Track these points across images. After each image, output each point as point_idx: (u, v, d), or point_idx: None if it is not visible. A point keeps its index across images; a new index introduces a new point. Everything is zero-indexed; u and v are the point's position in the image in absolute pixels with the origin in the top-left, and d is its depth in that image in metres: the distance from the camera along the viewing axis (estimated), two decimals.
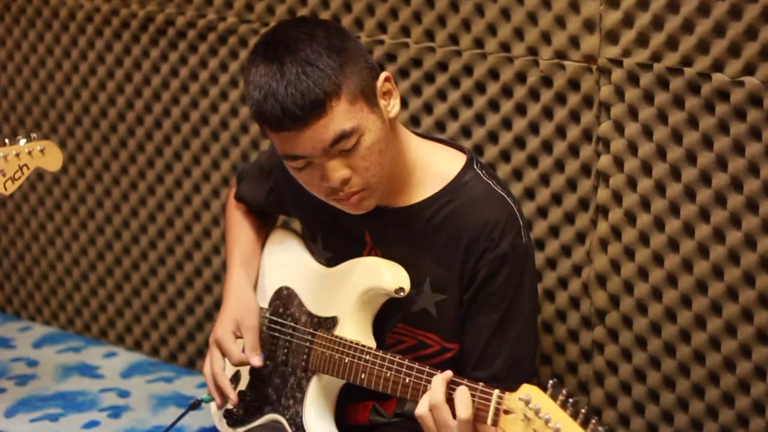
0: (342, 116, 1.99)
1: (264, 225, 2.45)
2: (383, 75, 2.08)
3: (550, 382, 1.81)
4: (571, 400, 1.77)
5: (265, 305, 2.34)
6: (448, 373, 1.98)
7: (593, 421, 1.75)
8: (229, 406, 2.29)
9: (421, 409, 1.98)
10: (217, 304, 3.00)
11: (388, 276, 2.13)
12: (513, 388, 1.88)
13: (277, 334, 2.28)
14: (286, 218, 2.65)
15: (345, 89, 1.99)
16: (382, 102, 2.07)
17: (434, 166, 2.17)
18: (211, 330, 2.98)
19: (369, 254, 2.19)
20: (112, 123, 3.10)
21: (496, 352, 2.13)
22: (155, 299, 3.13)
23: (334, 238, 2.25)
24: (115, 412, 2.77)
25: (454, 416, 1.94)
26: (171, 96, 2.98)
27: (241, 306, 2.30)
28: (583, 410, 1.76)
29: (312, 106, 1.97)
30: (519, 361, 2.14)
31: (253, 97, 2.01)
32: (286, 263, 2.35)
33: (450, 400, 1.95)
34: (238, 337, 2.27)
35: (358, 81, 2.02)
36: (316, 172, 2.04)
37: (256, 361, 2.24)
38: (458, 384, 1.96)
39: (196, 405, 2.34)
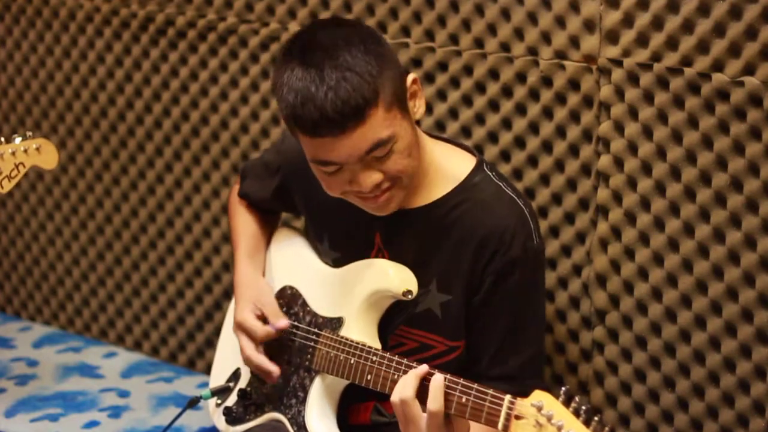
0: (379, 124, 1.98)
1: (268, 221, 2.45)
2: (411, 77, 2.07)
3: (563, 389, 1.79)
4: (584, 407, 1.76)
5: None
6: (423, 368, 1.98)
7: (607, 428, 1.73)
8: (273, 379, 2.24)
9: (393, 397, 1.98)
10: (218, 304, 3.00)
11: (395, 278, 2.13)
12: (527, 386, 1.88)
13: None
14: (289, 217, 2.65)
15: (382, 96, 1.99)
16: (410, 104, 2.07)
17: (445, 167, 2.17)
18: (211, 330, 3.02)
19: (376, 256, 2.20)
20: (112, 123, 3.09)
21: (510, 352, 2.13)
22: (155, 299, 3.13)
23: (342, 239, 2.25)
24: (115, 412, 2.77)
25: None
26: (171, 96, 2.98)
27: (254, 289, 2.31)
28: (596, 418, 1.74)
29: (352, 113, 1.95)
30: (533, 359, 2.15)
31: (287, 100, 1.98)
32: (291, 262, 2.35)
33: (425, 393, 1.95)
34: (258, 317, 2.26)
35: (392, 87, 2.01)
36: (346, 176, 2.03)
37: (282, 322, 2.23)
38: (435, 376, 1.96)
39: (194, 402, 2.33)
